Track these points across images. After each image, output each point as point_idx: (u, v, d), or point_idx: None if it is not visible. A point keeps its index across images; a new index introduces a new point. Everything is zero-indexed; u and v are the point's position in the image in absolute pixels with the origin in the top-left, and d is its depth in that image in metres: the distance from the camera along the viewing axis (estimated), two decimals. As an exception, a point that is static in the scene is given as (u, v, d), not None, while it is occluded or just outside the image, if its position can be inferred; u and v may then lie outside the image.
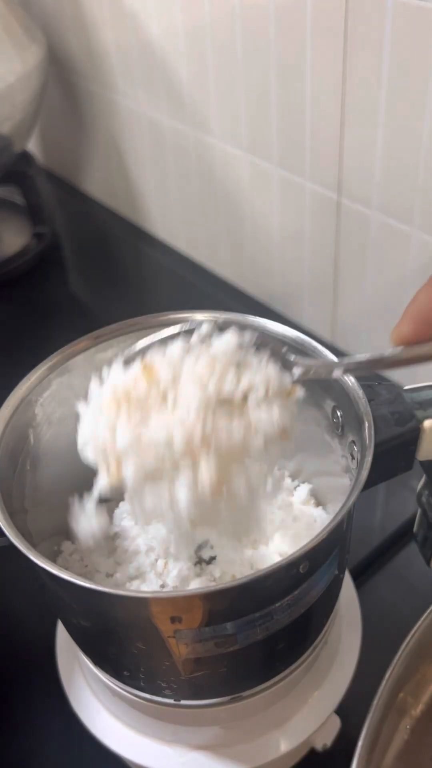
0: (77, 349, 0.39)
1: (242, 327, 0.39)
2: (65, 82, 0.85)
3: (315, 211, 0.61)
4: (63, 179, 0.98)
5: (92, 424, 0.30)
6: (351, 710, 0.42)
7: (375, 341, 0.64)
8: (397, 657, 0.33)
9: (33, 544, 0.31)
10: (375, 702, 0.32)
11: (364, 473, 0.31)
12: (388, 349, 0.30)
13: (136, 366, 0.31)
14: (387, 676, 0.32)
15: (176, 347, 0.31)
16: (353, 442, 0.35)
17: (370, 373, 0.32)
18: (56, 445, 0.39)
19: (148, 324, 0.40)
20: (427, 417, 0.35)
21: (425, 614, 0.34)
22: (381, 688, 0.32)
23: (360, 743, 0.30)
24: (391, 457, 0.35)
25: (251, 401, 0.30)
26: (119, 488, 0.30)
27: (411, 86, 0.48)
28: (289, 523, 0.39)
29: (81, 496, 0.43)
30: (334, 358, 0.36)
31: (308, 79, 0.55)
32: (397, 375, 0.64)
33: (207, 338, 0.32)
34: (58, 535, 0.41)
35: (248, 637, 0.32)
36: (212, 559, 0.38)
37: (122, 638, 0.33)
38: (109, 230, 0.90)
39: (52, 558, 0.39)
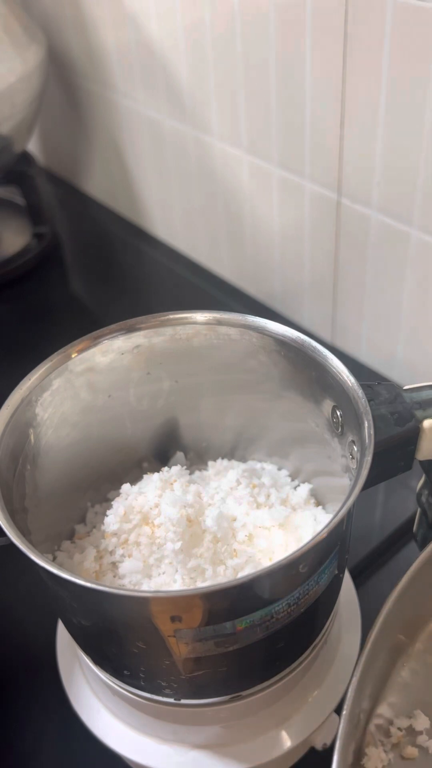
0: (77, 349, 0.39)
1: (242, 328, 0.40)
2: (65, 82, 0.85)
3: (315, 211, 0.61)
4: (63, 179, 0.98)
5: None
6: (351, 710, 0.42)
7: (375, 341, 0.64)
8: (390, 597, 0.34)
9: (33, 543, 0.31)
10: (368, 643, 0.33)
11: (364, 473, 0.31)
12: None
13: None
14: (379, 616, 0.34)
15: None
16: (353, 441, 0.35)
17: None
18: (56, 445, 0.39)
19: (148, 324, 0.40)
20: (427, 417, 0.35)
21: (420, 555, 0.35)
22: (374, 628, 0.33)
23: (351, 686, 0.31)
24: (391, 457, 0.35)
25: None
26: None
27: (411, 86, 0.48)
28: (289, 522, 0.39)
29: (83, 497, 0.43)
30: (334, 358, 0.36)
31: (308, 79, 0.55)
32: (396, 375, 0.64)
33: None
34: (59, 534, 0.41)
35: (248, 636, 0.32)
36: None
37: (122, 637, 0.33)
38: (109, 230, 0.90)
39: (52, 557, 0.39)
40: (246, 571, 0.37)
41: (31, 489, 0.37)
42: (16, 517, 0.33)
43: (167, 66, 0.68)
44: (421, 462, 0.37)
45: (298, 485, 0.43)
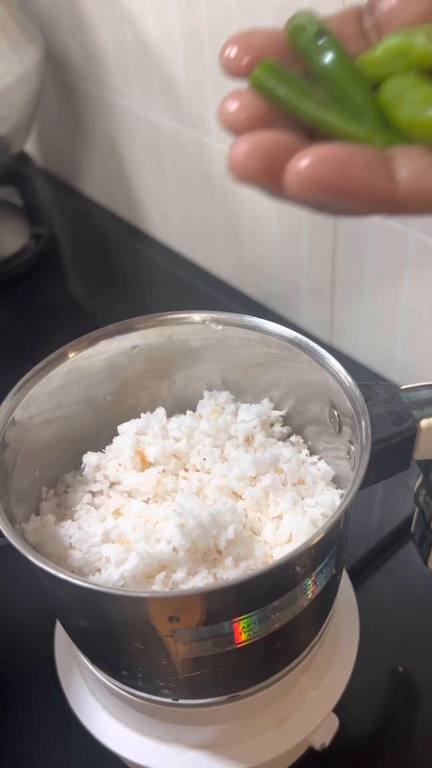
0: (75, 349, 0.39)
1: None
2: (63, 82, 0.85)
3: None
4: (61, 180, 0.98)
5: None
6: (349, 709, 0.42)
7: (372, 341, 0.64)
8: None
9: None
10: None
11: (361, 473, 0.31)
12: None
13: None
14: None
15: None
16: (350, 441, 0.35)
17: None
18: (54, 445, 0.39)
19: (145, 324, 0.40)
20: (424, 416, 0.35)
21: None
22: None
23: None
24: (388, 457, 0.35)
25: None
26: None
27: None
28: (299, 508, 0.38)
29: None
30: (331, 358, 0.36)
31: (305, 80, 0.55)
32: (394, 375, 0.64)
33: None
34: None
35: (246, 636, 0.32)
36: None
37: (120, 638, 0.33)
38: (107, 231, 0.90)
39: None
40: (247, 564, 0.36)
41: (27, 487, 0.37)
42: (10, 514, 0.33)
43: (165, 66, 0.68)
44: (418, 462, 0.37)
45: (317, 461, 0.40)
